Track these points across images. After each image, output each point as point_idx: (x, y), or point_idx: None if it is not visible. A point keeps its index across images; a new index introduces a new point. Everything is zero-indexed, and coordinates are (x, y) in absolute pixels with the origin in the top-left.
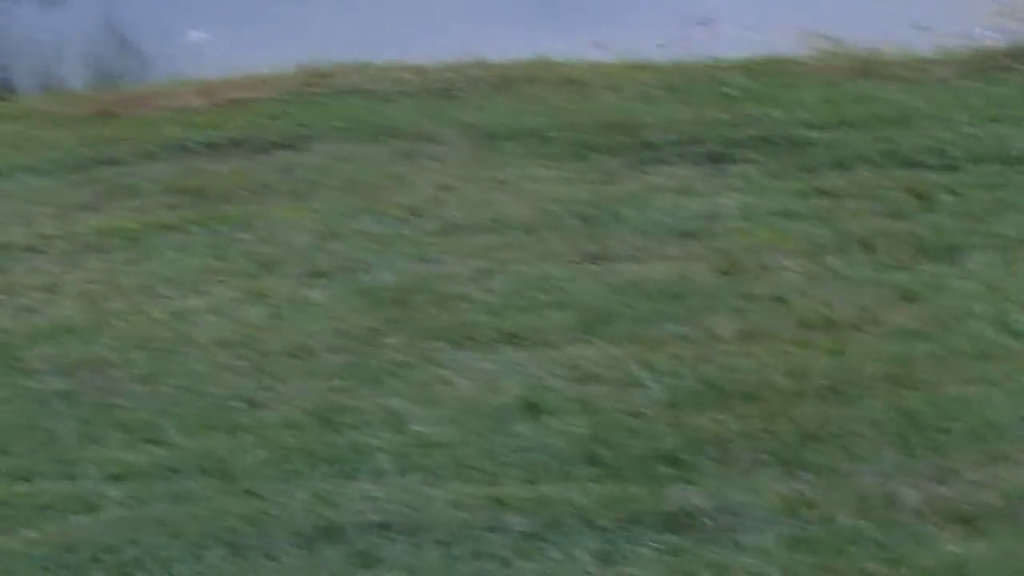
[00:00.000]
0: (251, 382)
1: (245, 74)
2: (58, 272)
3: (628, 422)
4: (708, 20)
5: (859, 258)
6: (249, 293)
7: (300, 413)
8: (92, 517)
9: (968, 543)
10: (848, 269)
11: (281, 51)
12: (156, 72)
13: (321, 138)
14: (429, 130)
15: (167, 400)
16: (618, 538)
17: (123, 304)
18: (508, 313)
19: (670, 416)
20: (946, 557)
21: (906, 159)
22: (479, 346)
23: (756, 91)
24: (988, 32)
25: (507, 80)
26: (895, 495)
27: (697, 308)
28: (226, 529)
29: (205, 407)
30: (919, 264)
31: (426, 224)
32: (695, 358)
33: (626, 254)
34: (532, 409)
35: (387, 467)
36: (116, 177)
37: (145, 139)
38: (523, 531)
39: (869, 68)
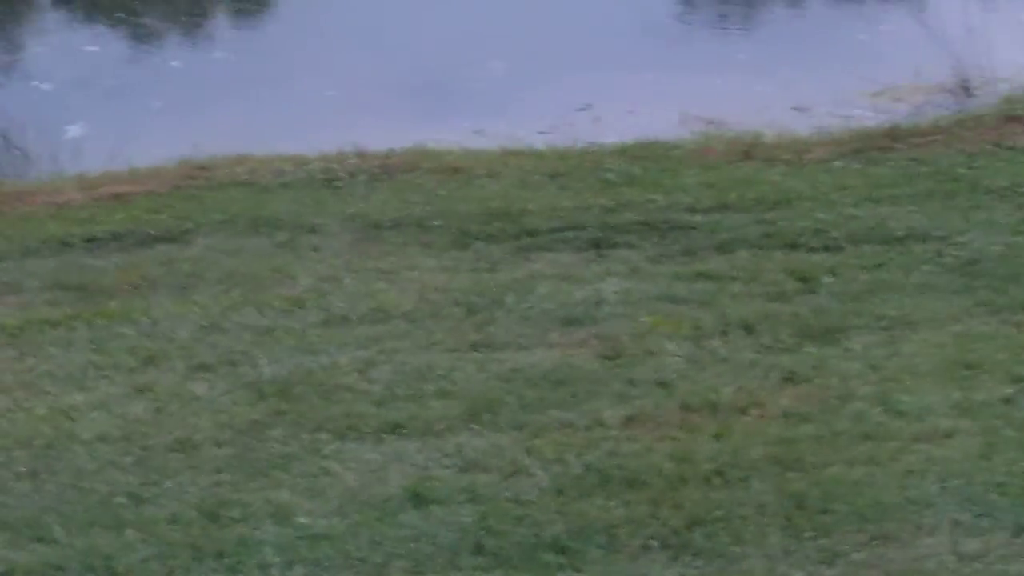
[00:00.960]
0: (136, 478)
1: (125, 169)
2: None
3: (514, 510)
4: (587, 106)
5: (742, 341)
6: (132, 388)
7: (185, 508)
8: None
9: None
10: (731, 352)
11: (161, 145)
12: (36, 168)
13: (202, 231)
14: (310, 221)
15: (51, 497)
16: None
17: (5, 401)
18: (392, 403)
19: (556, 503)
20: None
21: (787, 241)
22: (364, 437)
23: (636, 176)
24: (866, 113)
25: (387, 169)
26: None
27: (582, 395)
28: None
29: (90, 504)
30: (802, 346)
31: (309, 315)
32: (580, 445)
33: (510, 342)
34: (418, 499)
35: (273, 560)
36: None
37: (25, 235)
38: None
39: (749, 151)
